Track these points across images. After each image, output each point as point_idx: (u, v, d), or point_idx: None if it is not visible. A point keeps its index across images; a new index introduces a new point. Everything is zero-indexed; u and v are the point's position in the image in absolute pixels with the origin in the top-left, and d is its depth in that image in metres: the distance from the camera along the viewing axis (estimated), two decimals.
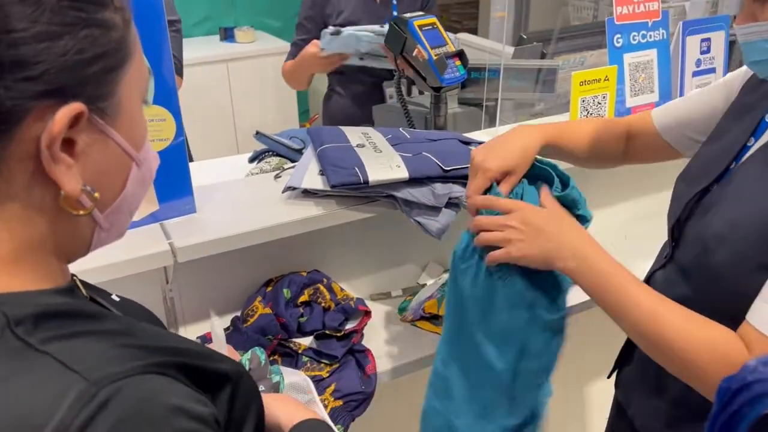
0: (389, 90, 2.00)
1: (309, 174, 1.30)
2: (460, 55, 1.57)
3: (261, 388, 0.81)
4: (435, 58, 1.52)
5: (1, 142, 0.48)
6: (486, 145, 1.02)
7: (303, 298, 1.29)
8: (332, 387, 1.18)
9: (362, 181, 1.19)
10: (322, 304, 1.29)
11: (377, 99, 2.03)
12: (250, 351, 0.84)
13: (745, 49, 0.85)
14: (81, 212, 0.53)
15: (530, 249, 0.87)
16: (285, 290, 1.28)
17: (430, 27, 1.57)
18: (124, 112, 0.55)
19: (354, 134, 1.41)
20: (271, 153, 1.70)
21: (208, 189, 1.32)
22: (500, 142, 1.00)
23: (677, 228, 0.98)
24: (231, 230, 1.18)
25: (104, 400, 0.45)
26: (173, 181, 1.17)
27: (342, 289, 1.35)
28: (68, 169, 0.50)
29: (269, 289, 1.31)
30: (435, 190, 1.19)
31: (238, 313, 1.29)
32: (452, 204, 1.21)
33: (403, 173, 1.20)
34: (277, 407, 0.76)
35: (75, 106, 0.49)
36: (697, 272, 0.90)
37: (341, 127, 1.46)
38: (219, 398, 0.58)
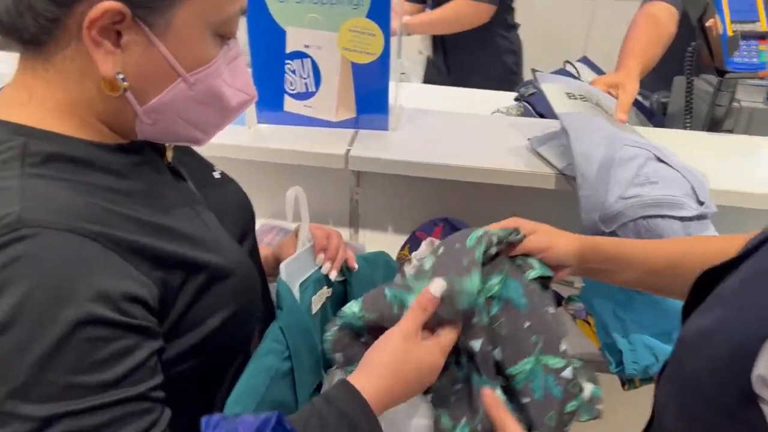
0: None
1: (550, 143, 1.23)
2: None
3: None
4: (730, 35, 1.24)
5: (63, 11, 0.58)
6: None
7: None
8: None
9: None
10: None
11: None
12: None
13: None
14: (114, 93, 0.61)
15: None
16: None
17: None
18: (175, 32, 0.60)
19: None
20: (526, 99, 1.63)
21: (421, 113, 1.34)
22: None
23: None
24: (405, 156, 1.20)
25: (19, 237, 0.51)
26: (371, 96, 1.22)
27: None
28: (107, 53, 0.59)
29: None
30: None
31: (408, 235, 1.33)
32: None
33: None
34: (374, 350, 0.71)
35: (113, 4, 0.56)
36: None
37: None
38: (190, 282, 0.64)
